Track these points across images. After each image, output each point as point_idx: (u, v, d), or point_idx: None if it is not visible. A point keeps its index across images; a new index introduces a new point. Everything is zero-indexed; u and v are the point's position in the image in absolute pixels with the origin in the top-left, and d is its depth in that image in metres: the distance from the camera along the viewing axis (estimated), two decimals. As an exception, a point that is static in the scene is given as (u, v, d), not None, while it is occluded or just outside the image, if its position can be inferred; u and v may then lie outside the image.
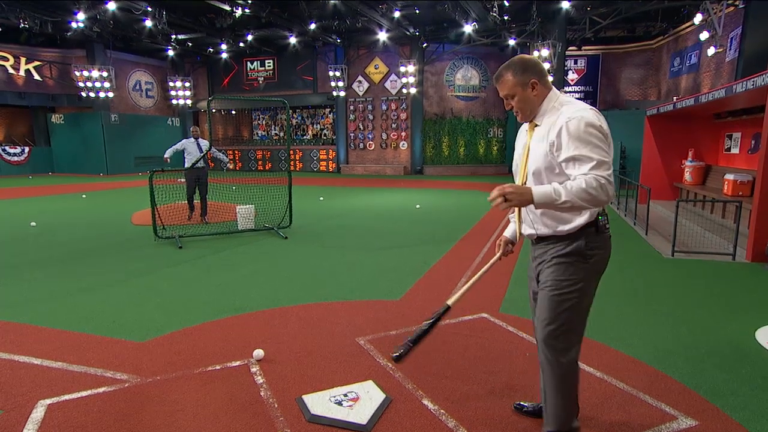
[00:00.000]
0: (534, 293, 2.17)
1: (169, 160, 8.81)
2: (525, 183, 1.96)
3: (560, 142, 1.79)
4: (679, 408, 2.49)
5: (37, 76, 21.06)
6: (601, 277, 2.02)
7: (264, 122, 25.49)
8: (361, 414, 2.40)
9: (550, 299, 1.95)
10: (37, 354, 3.12)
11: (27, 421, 2.35)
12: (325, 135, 24.07)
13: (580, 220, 1.90)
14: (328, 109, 23.60)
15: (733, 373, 2.88)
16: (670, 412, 2.45)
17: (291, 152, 22.89)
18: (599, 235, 1.93)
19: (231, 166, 8.51)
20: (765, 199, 5.57)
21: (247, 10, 15.65)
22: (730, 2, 12.47)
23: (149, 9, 15.53)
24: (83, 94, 20.70)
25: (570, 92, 20.33)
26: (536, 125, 1.96)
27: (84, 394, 2.62)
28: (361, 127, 22.17)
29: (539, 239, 2.04)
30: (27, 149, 21.17)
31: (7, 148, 20.56)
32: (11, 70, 20.36)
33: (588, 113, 1.79)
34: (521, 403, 2.47)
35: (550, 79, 2.00)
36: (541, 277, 2.03)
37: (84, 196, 12.85)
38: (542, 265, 2.03)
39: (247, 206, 7.57)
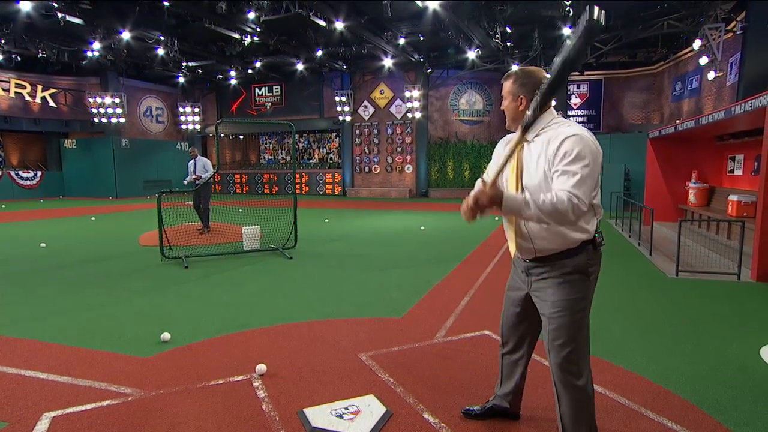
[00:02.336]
0: (516, 300, 2.19)
1: (187, 181, 9.33)
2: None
3: (555, 159, 1.83)
4: (681, 423, 2.47)
5: (52, 103, 21.64)
6: (596, 294, 2.04)
7: (271, 146, 25.90)
8: (362, 427, 2.41)
9: (566, 322, 1.93)
10: (43, 368, 3.16)
11: (32, 432, 2.39)
12: (331, 159, 24.37)
13: (581, 236, 1.91)
14: (334, 134, 23.96)
15: (737, 389, 2.86)
16: (673, 427, 2.44)
17: (297, 176, 23.18)
18: (596, 251, 1.96)
19: (199, 181, 8.94)
20: (768, 219, 5.58)
21: (256, 38, 16.12)
22: (727, 29, 12.69)
23: (162, 38, 16.06)
24: (96, 119, 21.23)
25: (573, 116, 20.55)
26: (527, 141, 1.97)
27: (88, 407, 2.66)
28: (367, 151, 22.44)
29: (537, 258, 2.01)
30: (39, 173, 21.58)
31: (20, 172, 20.98)
32: (28, 98, 20.96)
33: (584, 132, 1.85)
34: (469, 408, 2.52)
35: (553, 103, 2.04)
36: (543, 296, 2.01)
37: (93, 218, 13.04)
38: (542, 283, 2.01)
39: (253, 227, 7.66)
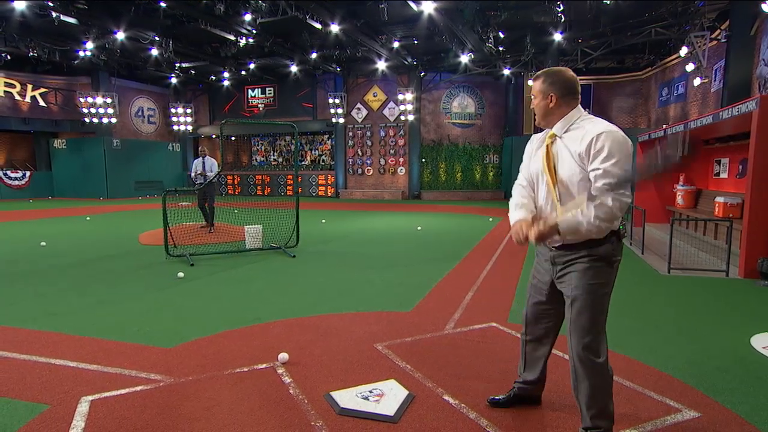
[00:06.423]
0: (541, 290, 2.33)
1: (192, 174, 9.45)
2: (556, 186, 2.13)
3: (590, 154, 1.98)
4: (682, 402, 2.67)
5: (42, 102, 21.43)
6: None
7: (263, 148, 25.93)
8: (388, 407, 2.56)
9: (588, 305, 2.07)
10: (72, 357, 3.26)
11: (74, 414, 2.50)
12: (323, 161, 24.48)
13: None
14: (326, 136, 24.07)
15: (731, 373, 3.07)
16: (675, 405, 2.64)
17: (290, 177, 23.24)
18: (619, 242, 2.12)
19: (202, 178, 9.08)
20: (754, 220, 5.87)
21: (251, 40, 16.20)
22: (712, 37, 13.13)
23: (156, 38, 16.04)
24: (86, 119, 21.07)
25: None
26: (556, 136, 2.15)
27: (123, 391, 2.77)
28: (360, 153, 22.59)
29: (564, 246, 2.15)
30: (28, 174, 21.34)
31: (8, 172, 20.73)
32: (17, 97, 20.73)
33: (612, 128, 2.01)
34: (495, 397, 2.62)
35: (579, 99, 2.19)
36: (568, 281, 2.15)
37: (88, 218, 12.98)
38: (567, 269, 2.15)
39: (255, 226, 7.77)
